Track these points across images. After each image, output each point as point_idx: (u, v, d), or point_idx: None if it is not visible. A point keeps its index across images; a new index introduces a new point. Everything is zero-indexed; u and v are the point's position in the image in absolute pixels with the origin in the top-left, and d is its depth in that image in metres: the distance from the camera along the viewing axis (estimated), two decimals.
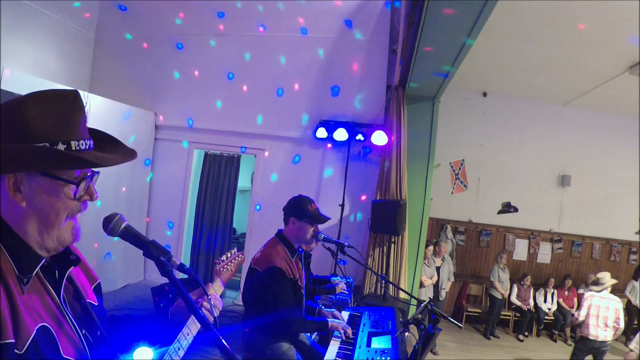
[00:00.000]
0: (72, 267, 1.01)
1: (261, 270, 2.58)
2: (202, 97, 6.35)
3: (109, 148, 1.03)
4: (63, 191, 0.92)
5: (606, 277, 4.60)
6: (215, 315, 1.31)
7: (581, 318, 4.59)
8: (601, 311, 4.50)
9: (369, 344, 2.57)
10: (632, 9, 3.95)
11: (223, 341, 0.96)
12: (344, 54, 5.91)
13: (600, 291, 4.56)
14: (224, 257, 1.60)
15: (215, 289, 1.48)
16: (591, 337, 4.51)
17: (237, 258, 1.64)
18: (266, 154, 6.22)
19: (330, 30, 5.89)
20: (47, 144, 0.88)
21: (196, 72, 6.34)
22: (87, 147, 0.95)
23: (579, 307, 4.88)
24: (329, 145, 5.93)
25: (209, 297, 1.31)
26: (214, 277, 1.54)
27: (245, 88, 6.20)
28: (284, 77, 6.07)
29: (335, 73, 5.94)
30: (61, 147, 0.90)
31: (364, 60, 5.88)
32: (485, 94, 7.46)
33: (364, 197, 5.89)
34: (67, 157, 0.90)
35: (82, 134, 0.95)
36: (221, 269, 1.56)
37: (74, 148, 0.91)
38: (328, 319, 2.75)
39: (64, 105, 0.92)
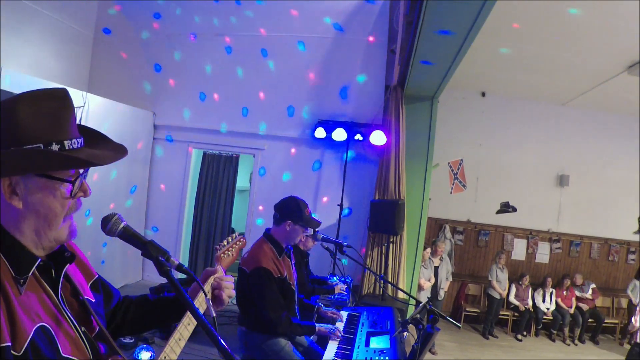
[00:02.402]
0: (68, 264, 1.01)
1: (248, 271, 2.61)
2: (201, 97, 6.34)
3: (98, 144, 1.04)
4: (59, 190, 0.93)
5: None
6: (225, 302, 1.30)
7: (637, 325, 4.64)
8: None
9: (367, 344, 2.58)
10: (632, 9, 3.95)
11: (222, 341, 0.96)
12: (343, 54, 5.90)
13: None
14: (224, 242, 1.53)
15: None
16: None
17: (238, 242, 1.57)
18: (265, 153, 6.22)
19: (329, 31, 5.89)
20: (41, 145, 0.89)
21: (195, 73, 6.33)
22: (78, 145, 0.96)
23: (630, 315, 4.97)
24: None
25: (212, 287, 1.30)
26: (215, 263, 1.47)
27: (245, 88, 6.19)
28: (283, 77, 6.07)
29: (334, 73, 5.94)
30: (55, 147, 0.90)
31: (363, 60, 5.88)
32: (483, 94, 7.46)
33: (362, 197, 5.88)
34: (64, 158, 0.90)
35: (73, 133, 0.96)
36: (222, 254, 1.49)
37: (67, 147, 0.92)
38: (316, 324, 2.76)
39: (54, 105, 0.92)
